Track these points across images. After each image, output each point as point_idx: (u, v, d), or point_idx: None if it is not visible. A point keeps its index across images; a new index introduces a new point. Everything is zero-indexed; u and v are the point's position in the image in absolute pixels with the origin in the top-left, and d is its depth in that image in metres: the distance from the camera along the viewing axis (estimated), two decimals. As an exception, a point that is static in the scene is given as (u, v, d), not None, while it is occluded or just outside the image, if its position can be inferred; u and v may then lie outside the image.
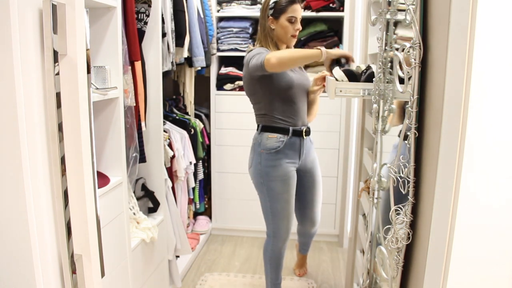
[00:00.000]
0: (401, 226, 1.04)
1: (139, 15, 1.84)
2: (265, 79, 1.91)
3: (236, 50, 3.00)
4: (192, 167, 2.72)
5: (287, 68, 1.84)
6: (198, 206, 3.03)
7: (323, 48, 1.81)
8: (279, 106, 1.96)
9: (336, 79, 1.56)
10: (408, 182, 1.00)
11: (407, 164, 1.01)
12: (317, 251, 3.03)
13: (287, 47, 2.02)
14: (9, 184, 0.96)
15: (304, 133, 2.00)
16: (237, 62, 3.11)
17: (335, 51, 1.82)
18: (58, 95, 0.95)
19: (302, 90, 2.00)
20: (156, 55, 1.97)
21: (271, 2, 1.96)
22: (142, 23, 1.86)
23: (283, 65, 1.78)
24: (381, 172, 1.34)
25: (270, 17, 1.96)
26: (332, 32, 2.95)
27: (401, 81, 1.08)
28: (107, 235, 1.51)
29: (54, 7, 0.91)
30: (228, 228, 3.27)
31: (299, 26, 1.96)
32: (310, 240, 2.54)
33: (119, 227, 1.63)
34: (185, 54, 2.37)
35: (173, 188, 2.43)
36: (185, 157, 2.60)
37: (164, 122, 2.21)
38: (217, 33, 3.01)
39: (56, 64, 0.94)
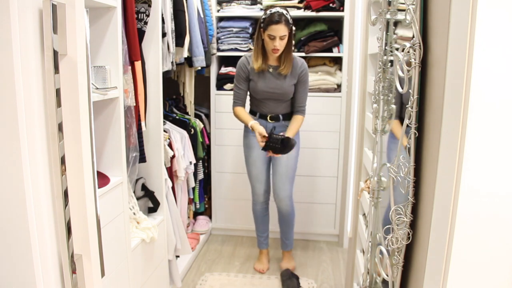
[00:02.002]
0: (401, 226, 1.04)
1: (139, 15, 1.84)
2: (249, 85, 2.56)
3: (236, 50, 3.00)
4: (192, 167, 2.72)
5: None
6: (198, 206, 3.03)
7: (251, 124, 2.44)
8: (253, 101, 2.60)
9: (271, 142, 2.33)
10: (408, 182, 1.00)
11: (407, 164, 1.01)
12: (317, 251, 3.03)
13: (270, 57, 2.45)
14: (9, 184, 0.95)
15: (269, 118, 2.54)
16: (237, 62, 3.10)
17: (255, 130, 2.40)
18: (58, 94, 0.95)
19: (268, 94, 2.48)
20: (156, 55, 1.97)
21: (263, 15, 2.36)
22: (142, 23, 1.86)
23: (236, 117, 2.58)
24: (381, 172, 1.34)
25: (261, 28, 2.37)
26: (332, 32, 2.95)
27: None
28: (107, 235, 1.51)
29: (54, 7, 0.91)
30: (228, 228, 3.27)
31: (277, 44, 2.32)
32: (286, 228, 2.73)
33: (119, 227, 1.63)
34: (185, 54, 2.37)
35: (173, 188, 2.43)
36: (185, 157, 2.60)
37: (164, 122, 2.21)
38: (217, 33, 3.01)
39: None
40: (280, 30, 2.29)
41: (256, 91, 2.50)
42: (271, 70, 2.47)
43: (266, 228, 2.79)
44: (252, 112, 2.61)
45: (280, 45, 2.34)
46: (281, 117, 2.55)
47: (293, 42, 2.53)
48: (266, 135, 2.34)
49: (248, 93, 2.58)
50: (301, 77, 2.48)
